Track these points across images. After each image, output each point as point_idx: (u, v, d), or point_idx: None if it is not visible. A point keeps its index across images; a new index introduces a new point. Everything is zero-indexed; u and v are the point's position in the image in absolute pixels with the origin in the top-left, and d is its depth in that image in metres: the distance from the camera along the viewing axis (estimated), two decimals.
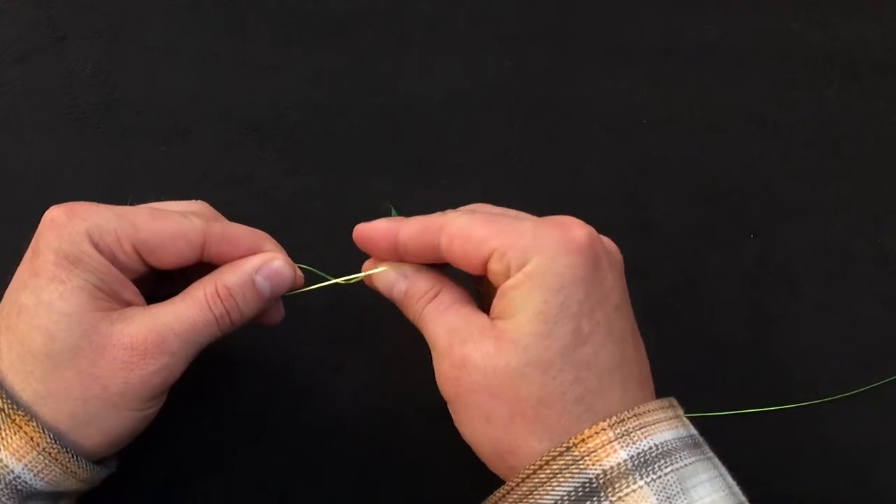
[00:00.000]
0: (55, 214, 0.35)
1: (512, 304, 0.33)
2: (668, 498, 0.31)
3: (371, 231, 0.37)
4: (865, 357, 0.47)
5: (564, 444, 0.32)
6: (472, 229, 0.35)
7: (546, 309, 0.33)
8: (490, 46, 0.54)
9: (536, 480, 0.32)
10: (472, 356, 0.33)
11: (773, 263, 0.49)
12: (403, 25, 0.54)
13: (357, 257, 0.42)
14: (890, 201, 0.51)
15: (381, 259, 0.38)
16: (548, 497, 0.32)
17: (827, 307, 0.48)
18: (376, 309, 0.45)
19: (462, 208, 0.39)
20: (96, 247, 0.34)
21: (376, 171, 0.50)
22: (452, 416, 0.35)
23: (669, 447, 0.32)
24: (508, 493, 0.33)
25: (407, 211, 0.49)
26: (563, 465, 0.32)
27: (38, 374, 0.33)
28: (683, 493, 0.31)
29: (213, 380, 0.45)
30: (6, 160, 0.49)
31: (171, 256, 0.36)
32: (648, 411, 0.33)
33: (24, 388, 0.34)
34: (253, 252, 0.38)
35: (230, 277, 0.37)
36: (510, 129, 0.52)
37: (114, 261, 0.35)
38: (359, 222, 0.48)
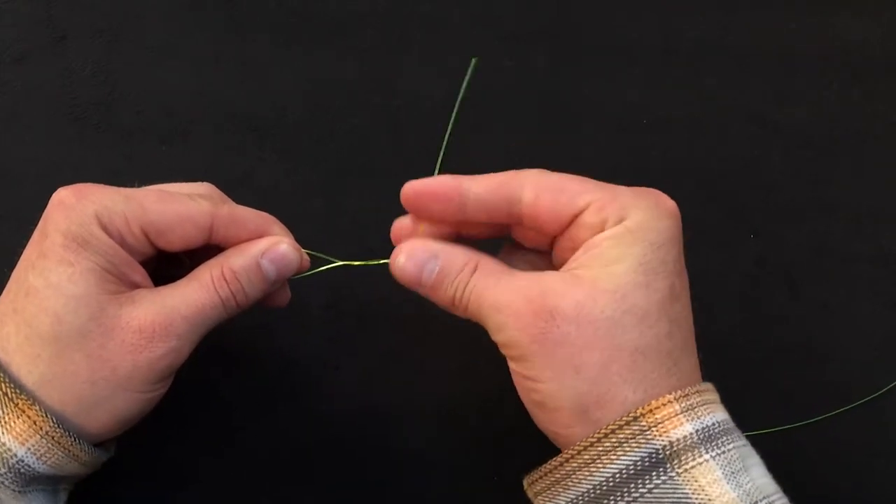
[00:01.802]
0: (63, 196, 0.35)
1: (606, 255, 0.33)
2: (734, 473, 0.31)
3: (433, 185, 0.36)
4: (865, 357, 0.47)
5: (632, 413, 0.32)
6: (565, 182, 0.35)
7: (647, 261, 0.33)
8: (490, 46, 0.54)
9: (601, 448, 0.32)
10: (562, 307, 0.32)
11: (773, 263, 0.49)
12: (403, 25, 0.54)
13: (356, 258, 0.42)
14: (890, 201, 0.51)
15: (436, 222, 0.36)
16: (612, 466, 0.32)
17: (827, 307, 0.48)
18: (376, 309, 0.45)
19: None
20: (105, 229, 0.34)
21: (376, 171, 0.50)
22: (525, 372, 0.34)
23: (728, 426, 0.33)
24: (570, 459, 0.33)
25: (405, 211, 0.49)
26: (629, 434, 0.32)
27: (46, 357, 0.34)
28: (745, 471, 0.32)
29: (212, 379, 0.45)
30: (6, 160, 0.49)
31: (179, 239, 0.36)
32: (708, 390, 0.34)
33: (32, 370, 0.34)
34: (260, 235, 0.38)
35: (236, 261, 0.37)
36: (510, 129, 0.52)
37: (122, 243, 0.35)
38: (359, 222, 0.49)
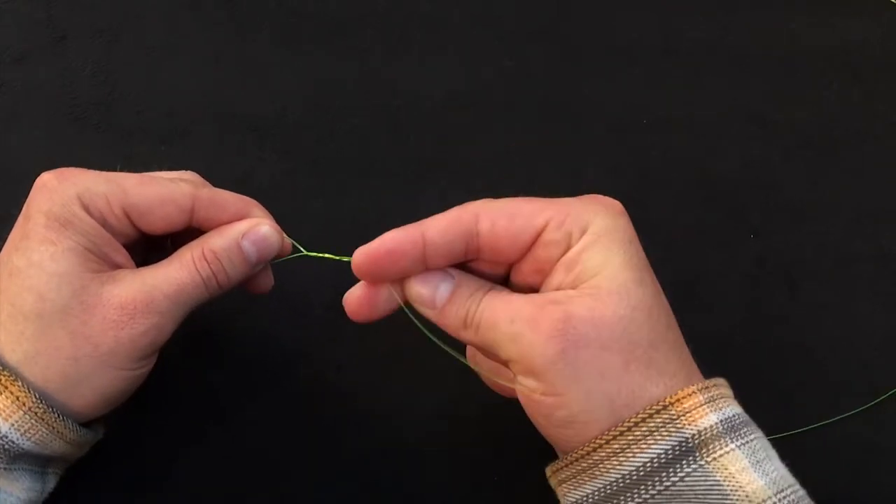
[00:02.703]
0: (46, 179, 0.36)
1: (590, 265, 0.33)
2: (759, 462, 0.32)
3: (390, 242, 0.34)
4: (865, 357, 0.47)
5: (661, 403, 0.32)
6: (518, 206, 0.35)
7: (629, 258, 0.33)
8: (490, 46, 0.54)
9: (630, 437, 0.32)
10: (576, 311, 0.32)
11: (773, 263, 0.49)
12: (403, 25, 0.54)
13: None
14: (890, 201, 0.51)
15: (404, 276, 0.35)
16: (643, 454, 0.32)
17: (827, 307, 0.48)
18: None
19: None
20: (87, 209, 0.35)
21: (376, 171, 0.50)
22: (545, 388, 0.32)
23: (746, 418, 0.33)
24: (598, 448, 0.32)
25: (405, 211, 0.49)
26: (660, 422, 0.32)
27: (30, 334, 0.34)
28: (769, 460, 0.32)
29: (212, 378, 0.45)
30: (6, 160, 0.49)
31: (160, 220, 0.37)
32: (723, 385, 0.34)
33: (15, 348, 0.34)
34: (240, 217, 0.38)
35: (217, 241, 0.37)
36: (510, 129, 0.52)
37: (104, 224, 0.36)
38: (359, 222, 0.49)
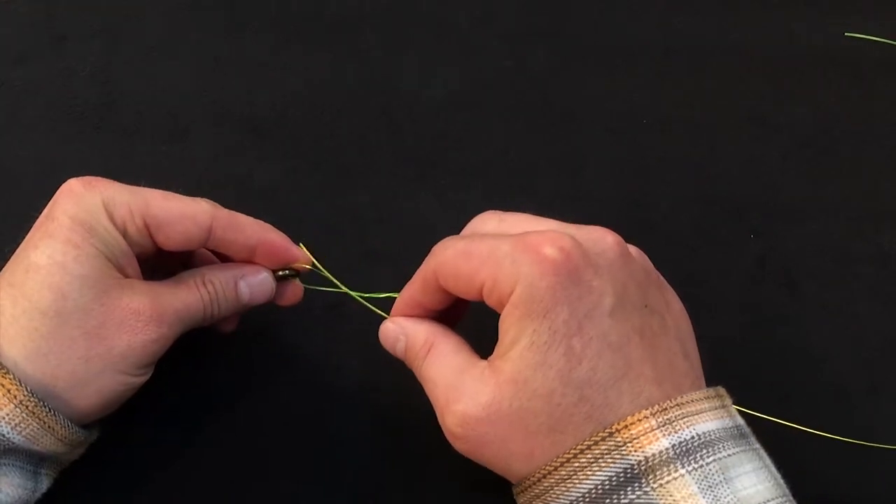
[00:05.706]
0: (73, 184, 0.37)
1: (507, 338, 0.33)
2: (710, 487, 0.31)
3: (398, 309, 0.39)
4: (865, 357, 0.47)
5: (607, 430, 0.32)
6: (458, 266, 0.35)
7: (537, 338, 0.32)
8: (490, 46, 0.54)
9: (577, 464, 0.32)
10: (472, 412, 0.33)
11: (773, 263, 0.49)
12: (403, 25, 0.54)
13: (356, 258, 0.42)
14: (890, 201, 0.51)
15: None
16: (588, 481, 0.32)
17: (827, 307, 0.48)
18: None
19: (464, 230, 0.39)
20: (111, 218, 0.36)
21: (376, 171, 0.50)
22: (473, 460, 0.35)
23: (712, 437, 0.32)
24: (546, 476, 0.33)
25: (405, 211, 0.49)
26: (604, 449, 0.32)
27: (45, 331, 0.34)
28: (726, 483, 0.31)
29: (212, 378, 0.45)
30: (6, 160, 0.49)
31: (178, 235, 0.38)
32: (691, 401, 0.33)
33: (26, 343, 0.34)
34: (257, 240, 0.40)
35: (217, 274, 0.39)
36: (510, 129, 0.52)
37: (125, 234, 0.37)
38: (359, 222, 0.49)
